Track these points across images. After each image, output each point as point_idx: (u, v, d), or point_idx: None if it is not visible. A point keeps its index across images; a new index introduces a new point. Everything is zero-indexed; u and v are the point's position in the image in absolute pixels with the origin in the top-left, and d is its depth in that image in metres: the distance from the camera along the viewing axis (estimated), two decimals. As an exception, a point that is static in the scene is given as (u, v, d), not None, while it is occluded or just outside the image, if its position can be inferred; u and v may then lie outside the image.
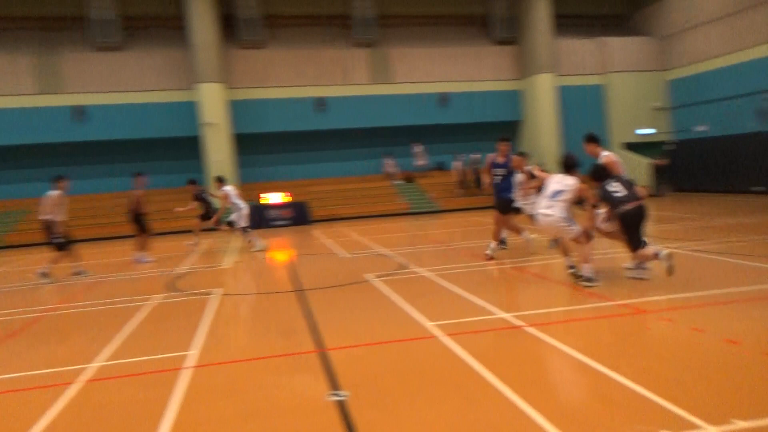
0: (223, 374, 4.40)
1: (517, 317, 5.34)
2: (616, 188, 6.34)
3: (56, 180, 10.06)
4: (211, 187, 11.47)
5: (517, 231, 9.28)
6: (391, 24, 23.52)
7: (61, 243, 9.88)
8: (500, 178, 8.98)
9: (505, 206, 9.00)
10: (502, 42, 23.82)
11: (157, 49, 21.35)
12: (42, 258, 11.25)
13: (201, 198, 13.52)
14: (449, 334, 4.88)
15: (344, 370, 4.20)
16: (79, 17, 20.78)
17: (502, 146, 9.01)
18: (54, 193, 9.87)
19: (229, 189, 12.69)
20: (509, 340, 4.84)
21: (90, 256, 12.84)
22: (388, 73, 22.88)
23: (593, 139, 7.25)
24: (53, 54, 20.30)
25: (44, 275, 9.74)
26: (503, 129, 21.03)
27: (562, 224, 6.60)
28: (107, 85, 20.62)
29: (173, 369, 4.46)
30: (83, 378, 4.39)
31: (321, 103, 22.29)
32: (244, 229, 12.54)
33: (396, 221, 18.10)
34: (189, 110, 20.72)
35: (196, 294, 7.76)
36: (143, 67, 20.99)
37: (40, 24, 20.89)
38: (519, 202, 9.09)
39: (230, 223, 12.74)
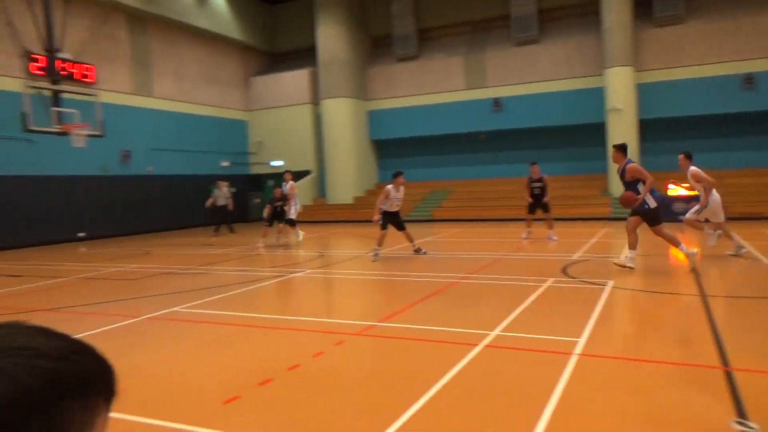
0: (605, 369, 4.43)
1: None
2: None
3: (394, 176, 11.18)
4: (681, 162, 9.53)
5: None
6: None
7: (380, 225, 11.03)
8: None
9: None
10: None
11: (568, 38, 21.88)
12: (458, 233, 13.13)
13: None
14: None
15: (754, 398, 3.67)
16: (502, 16, 23.02)
17: None
18: (387, 187, 11.05)
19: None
20: None
21: (499, 234, 14.35)
22: None
23: None
24: (479, 53, 23.10)
25: (417, 251, 11.20)
26: None
27: None
28: (521, 77, 22.30)
29: (562, 353, 4.70)
30: (484, 342, 5.10)
31: (749, 80, 18.91)
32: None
33: None
34: (595, 97, 20.60)
35: (587, 282, 7.88)
36: (554, 57, 21.84)
37: (470, 28, 24.07)
38: None
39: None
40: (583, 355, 4.66)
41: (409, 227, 11.82)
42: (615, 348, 5.01)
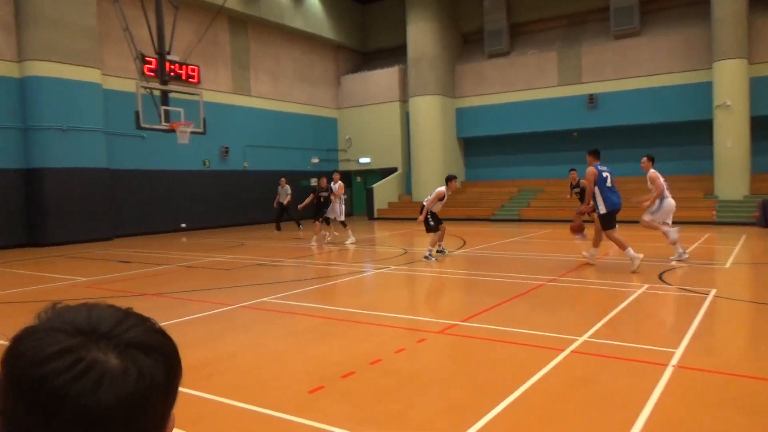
0: (706, 383, 4.14)
1: None
2: None
3: (448, 179, 11.31)
4: (644, 164, 10.03)
5: None
6: None
7: (430, 226, 11.00)
8: None
9: None
10: None
11: (673, 29, 20.54)
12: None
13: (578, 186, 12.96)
14: None
15: None
16: (600, 9, 21.99)
17: None
18: (441, 189, 11.08)
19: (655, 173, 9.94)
20: None
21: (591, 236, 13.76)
22: None
23: None
24: (574, 47, 22.23)
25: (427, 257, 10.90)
26: None
27: None
28: (619, 72, 21.21)
29: (656, 363, 4.45)
30: (571, 348, 4.93)
31: None
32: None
33: None
34: (701, 92, 19.21)
35: (687, 290, 7.39)
36: (657, 51, 20.58)
37: (565, 21, 23.20)
38: None
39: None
40: (680, 367, 4.39)
41: (494, 226, 11.60)
42: (716, 361, 4.67)
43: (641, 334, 5.43)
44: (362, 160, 26.24)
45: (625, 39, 21.25)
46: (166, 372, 0.65)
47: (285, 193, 18.17)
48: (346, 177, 26.97)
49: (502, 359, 4.80)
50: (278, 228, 18.36)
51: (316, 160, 25.31)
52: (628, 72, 21.06)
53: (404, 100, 25.24)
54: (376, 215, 23.89)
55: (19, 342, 0.63)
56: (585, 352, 4.86)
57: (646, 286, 7.69)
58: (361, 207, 26.21)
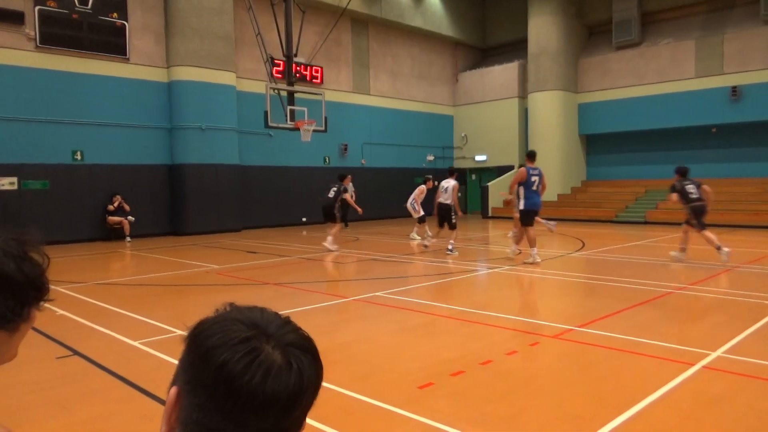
0: None
1: None
2: None
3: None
4: None
5: None
6: None
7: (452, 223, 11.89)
8: None
9: None
10: None
11: (840, 10, 18.02)
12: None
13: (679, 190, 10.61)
14: None
15: None
16: (749, -9, 19.86)
17: None
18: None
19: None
20: None
21: (731, 242, 12.55)
22: None
23: None
24: (715, 35, 20.28)
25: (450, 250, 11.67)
26: None
27: None
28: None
29: (802, 387, 3.99)
30: (702, 363, 4.54)
31: None
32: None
33: None
34: None
35: None
36: (818, 35, 18.18)
37: (705, 7, 21.21)
38: None
39: None
40: (834, 394, 3.88)
41: (617, 228, 10.97)
42: None
43: (788, 353, 4.87)
44: (478, 158, 25.90)
45: (778, 23, 19.01)
46: (318, 372, 0.75)
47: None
48: (462, 175, 26.79)
49: (623, 370, 4.54)
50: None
51: (431, 157, 25.40)
52: (781, 60, 18.83)
53: (523, 96, 24.53)
54: (490, 214, 23.50)
55: (208, 326, 0.74)
56: (718, 368, 4.46)
57: (796, 300, 6.87)
58: (476, 206, 25.90)
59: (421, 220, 14.55)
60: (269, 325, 0.74)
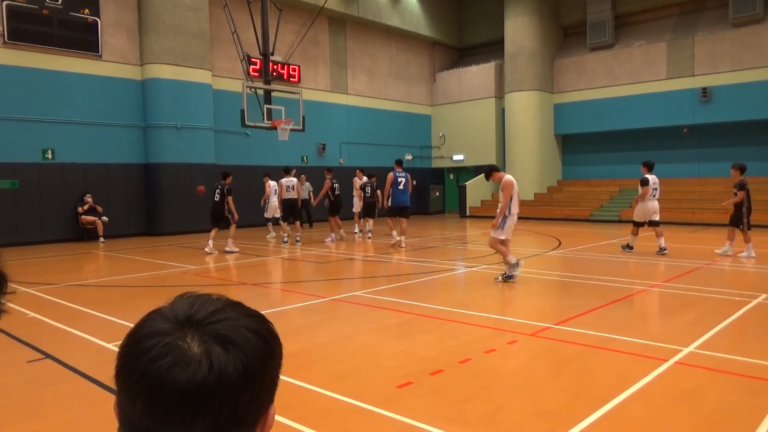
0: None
1: None
2: None
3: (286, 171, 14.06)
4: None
5: None
6: None
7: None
8: None
9: None
10: None
11: (805, 14, 18.56)
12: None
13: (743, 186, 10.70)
14: None
15: None
16: (718, -5, 20.32)
17: None
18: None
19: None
20: None
21: (701, 240, 12.84)
22: None
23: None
24: (686, 37, 20.71)
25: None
26: None
27: None
28: (738, 63, 19.50)
29: (771, 381, 4.11)
30: (675, 359, 4.63)
31: None
32: None
33: None
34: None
35: (814, 304, 6.68)
36: (784, 38, 18.70)
37: (677, 10, 21.65)
38: None
39: None
40: (801, 387, 4.00)
41: (592, 227, 11.08)
42: None
43: (756, 347, 5.00)
44: (456, 157, 26.03)
45: (746, 27, 19.50)
46: (241, 370, 0.67)
47: (306, 189, 18.35)
48: (439, 174, 26.89)
49: (599, 366, 4.61)
50: (310, 225, 19.33)
51: (408, 157, 25.46)
52: (748, 63, 19.31)
53: (500, 96, 24.74)
54: (468, 213, 23.65)
55: (139, 321, 0.74)
56: (691, 364, 4.55)
57: (763, 296, 7.06)
58: (454, 205, 26.04)
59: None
60: (197, 314, 0.71)
